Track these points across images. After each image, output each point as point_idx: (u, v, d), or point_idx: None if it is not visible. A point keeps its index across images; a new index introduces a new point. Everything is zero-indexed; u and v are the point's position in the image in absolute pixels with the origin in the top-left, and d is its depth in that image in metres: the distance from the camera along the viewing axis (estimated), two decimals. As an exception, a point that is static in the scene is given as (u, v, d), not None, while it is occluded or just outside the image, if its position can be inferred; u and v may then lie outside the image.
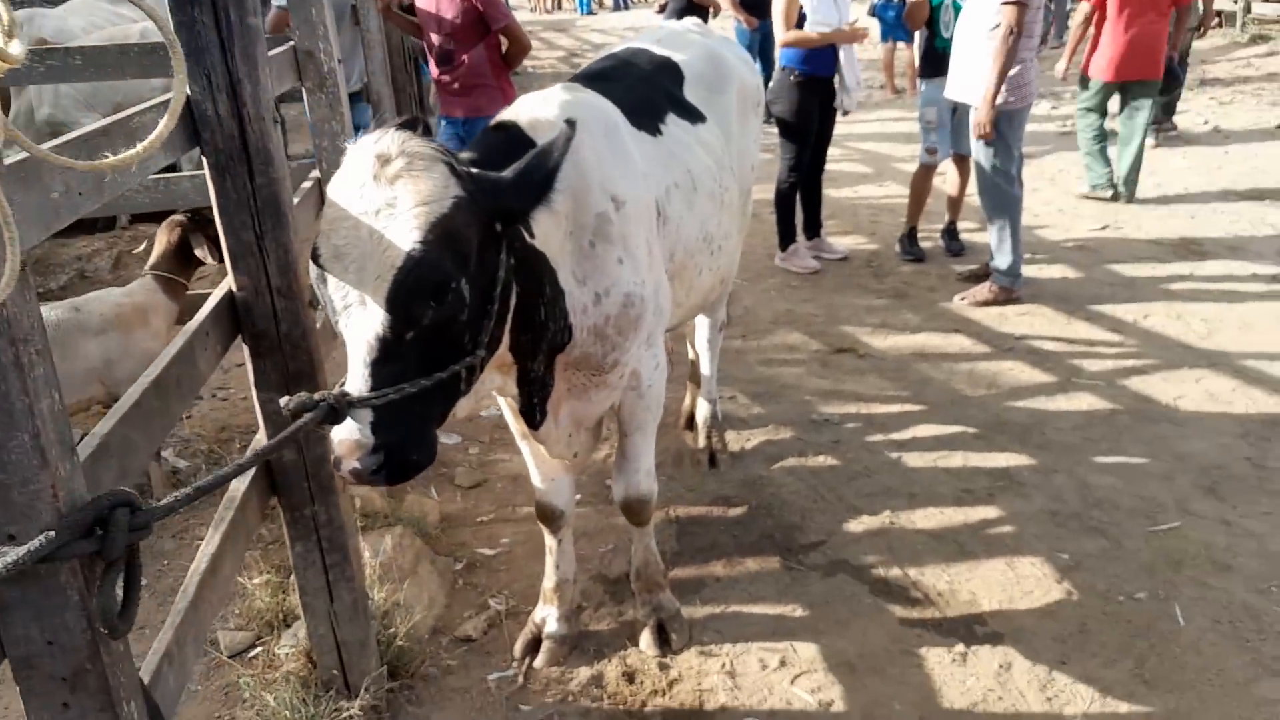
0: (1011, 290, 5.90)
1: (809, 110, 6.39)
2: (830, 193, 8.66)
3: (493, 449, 4.57)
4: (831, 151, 10.06)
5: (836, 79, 6.33)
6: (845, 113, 6.63)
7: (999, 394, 4.85)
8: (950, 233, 6.97)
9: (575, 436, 2.91)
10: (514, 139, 2.47)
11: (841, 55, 6.23)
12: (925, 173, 6.70)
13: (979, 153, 5.75)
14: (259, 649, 3.15)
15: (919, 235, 6.96)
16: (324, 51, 3.46)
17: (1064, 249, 6.89)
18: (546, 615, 3.23)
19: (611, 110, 2.87)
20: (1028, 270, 6.22)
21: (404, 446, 1.96)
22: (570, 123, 2.22)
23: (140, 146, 1.25)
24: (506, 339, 2.30)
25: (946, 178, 6.89)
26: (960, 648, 3.14)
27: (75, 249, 6.70)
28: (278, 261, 2.43)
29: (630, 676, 3.11)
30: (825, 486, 4.09)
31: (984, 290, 5.95)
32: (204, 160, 2.33)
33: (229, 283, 2.46)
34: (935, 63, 6.22)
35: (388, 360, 1.94)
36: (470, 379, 2.12)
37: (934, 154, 6.54)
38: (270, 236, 2.42)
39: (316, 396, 1.89)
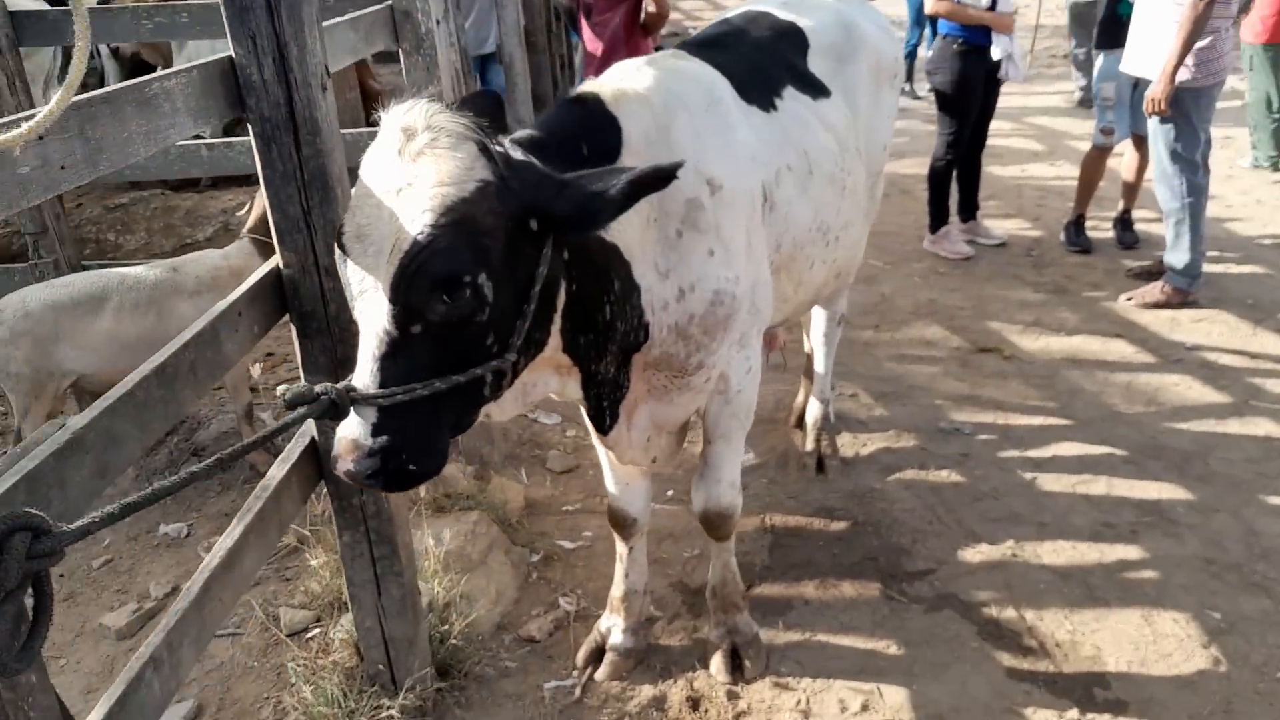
0: (1187, 292, 5.21)
1: (972, 82, 5.83)
2: (994, 170, 8.03)
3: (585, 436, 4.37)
4: (1000, 125, 9.39)
5: (999, 48, 5.73)
6: (1004, 80, 6.00)
7: (1159, 413, 4.27)
8: (1124, 222, 6.26)
9: (655, 441, 2.65)
10: (592, 115, 2.21)
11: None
12: (1099, 155, 6.01)
13: (1155, 133, 5.07)
14: (316, 630, 3.08)
15: (1088, 224, 6.30)
16: (422, 11, 3.28)
17: (1258, 246, 6.07)
18: (612, 625, 3.01)
19: (717, 82, 2.56)
20: (1210, 269, 5.50)
21: (405, 453, 1.76)
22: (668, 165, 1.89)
23: (26, 128, 1.06)
24: (556, 340, 2.06)
25: (1124, 161, 6.17)
26: (1074, 713, 2.73)
27: (223, 201, 6.90)
28: (325, 238, 2.28)
29: (695, 703, 2.85)
30: (944, 506, 3.69)
31: (1155, 290, 5.29)
32: (249, 128, 2.19)
33: (275, 259, 2.33)
34: (1115, 32, 5.52)
35: (396, 356, 1.73)
36: (499, 384, 1.89)
37: (1110, 134, 5.85)
38: (318, 211, 2.26)
39: (318, 389, 1.70)
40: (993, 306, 5.46)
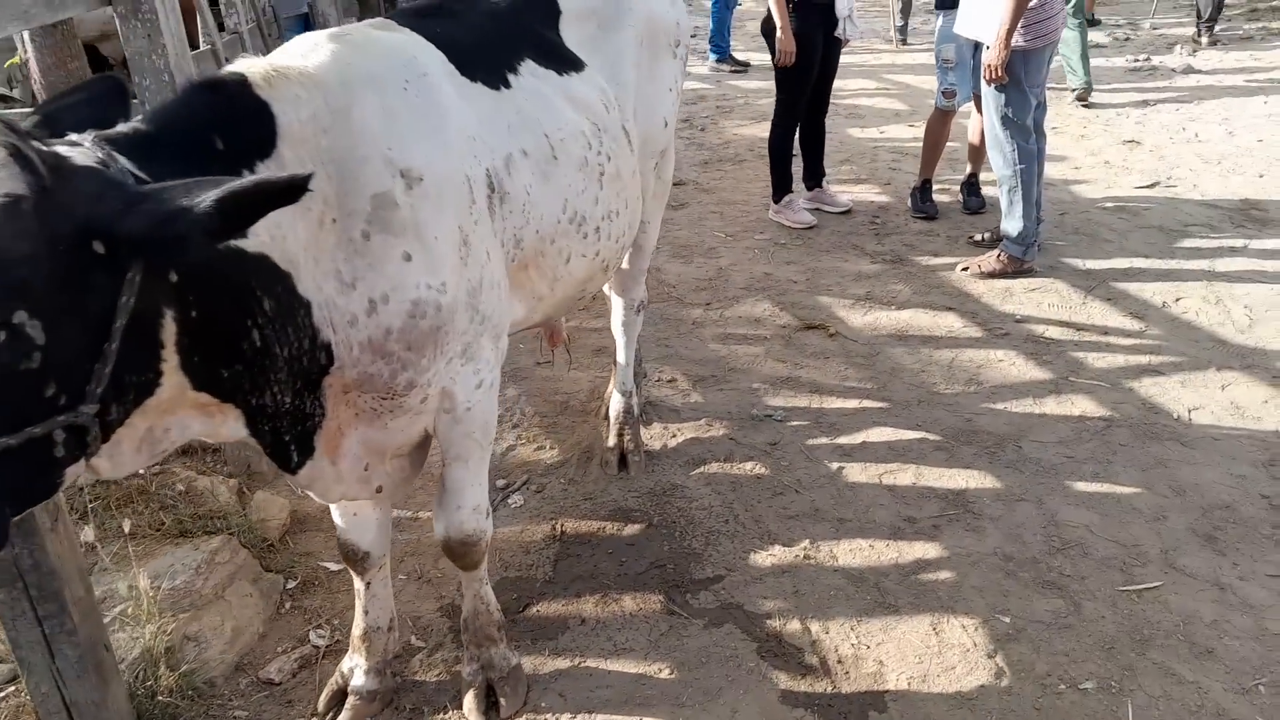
0: (1022, 261, 5.09)
1: (807, 41, 5.56)
2: (853, 133, 7.86)
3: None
4: (864, 84, 9.26)
5: (843, 4, 5.49)
6: (846, 42, 5.77)
7: (978, 393, 4.12)
8: (970, 186, 6.13)
9: (376, 469, 2.32)
10: (230, 101, 1.81)
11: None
12: (942, 118, 5.85)
13: (987, 98, 4.90)
14: (10, 689, 2.70)
15: (936, 189, 6.15)
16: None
17: (1099, 210, 6.00)
18: (355, 666, 2.70)
19: (423, 55, 2.22)
20: (1051, 235, 5.39)
21: None
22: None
23: None
24: (178, 378, 1.70)
25: (970, 123, 6.02)
26: (844, 742, 2.54)
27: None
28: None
29: (442, 748, 2.58)
30: (743, 503, 3.47)
31: (991, 259, 5.15)
32: None
33: None
34: (952, -10, 5.32)
35: None
36: (80, 442, 1.54)
37: (951, 96, 5.69)
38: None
39: None
40: (827, 279, 5.26)
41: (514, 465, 3.77)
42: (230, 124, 1.78)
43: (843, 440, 3.82)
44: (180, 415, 1.80)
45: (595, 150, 2.63)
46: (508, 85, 2.42)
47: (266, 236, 1.80)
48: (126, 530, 2.83)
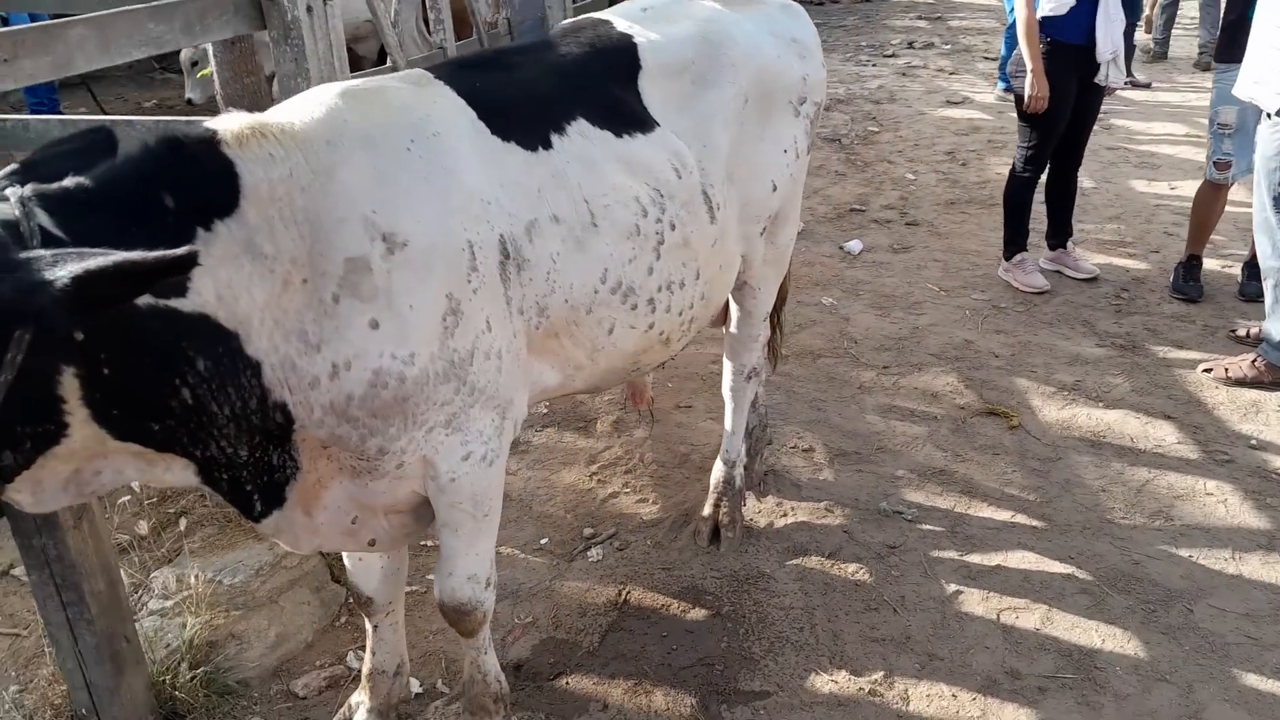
0: (1282, 371, 4.18)
1: (1059, 86, 4.88)
2: (1137, 185, 6.90)
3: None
4: (1171, 129, 8.10)
5: (1106, 47, 4.76)
6: (1110, 90, 5.01)
7: (1162, 530, 3.42)
8: (1252, 268, 5.13)
9: (368, 522, 2.28)
10: (188, 159, 1.79)
11: (1100, 16, 4.66)
12: (1214, 192, 4.95)
13: (1260, 171, 4.04)
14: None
15: (1211, 265, 5.23)
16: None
17: None
18: (359, 703, 2.70)
19: (441, 114, 2.13)
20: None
21: None
22: None
23: None
24: (91, 430, 1.71)
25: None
26: None
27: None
28: None
29: (413, 811, 2.52)
30: (828, 611, 3.10)
31: (1243, 364, 4.28)
32: None
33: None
34: (1242, 40, 4.42)
35: None
36: None
37: (1225, 168, 4.78)
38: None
39: None
40: (1035, 358, 4.61)
41: (609, 515, 3.63)
42: (185, 182, 1.78)
43: (973, 559, 3.31)
44: (112, 460, 1.83)
45: (653, 218, 2.42)
46: (548, 146, 2.27)
47: (212, 297, 1.79)
48: (182, 528, 3.01)
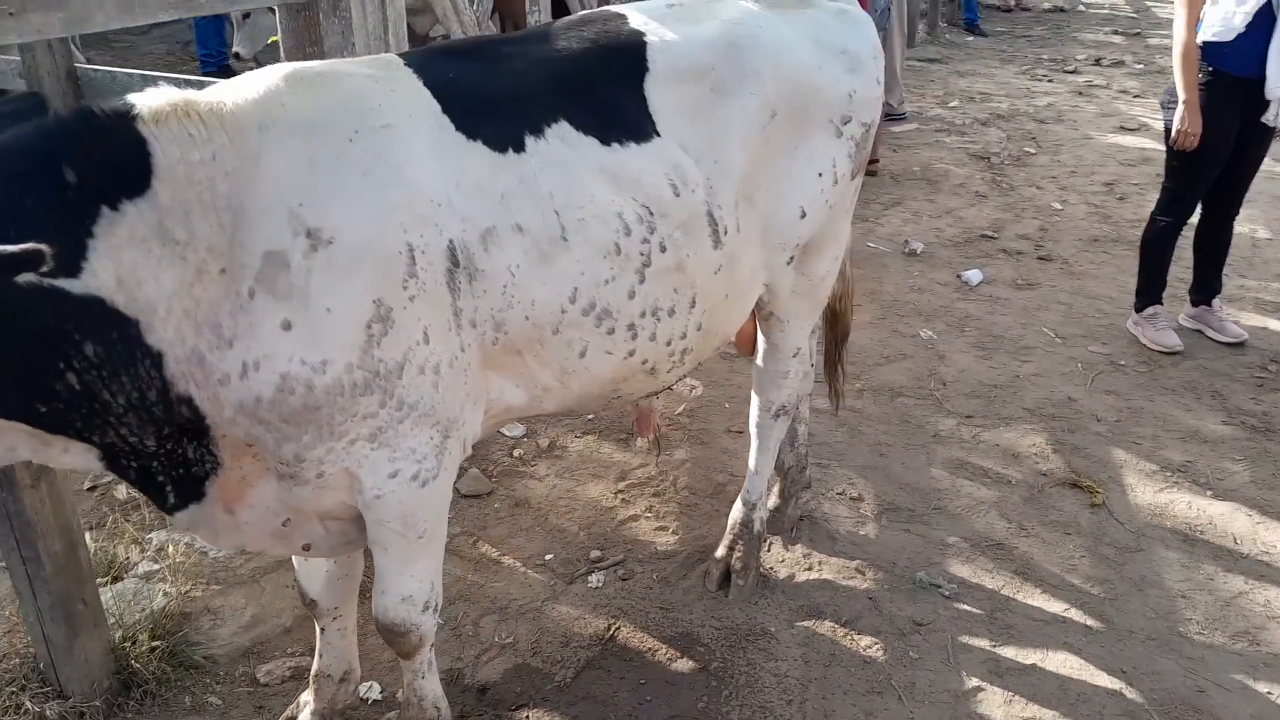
0: None
1: (1217, 124, 4.29)
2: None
3: (536, 461, 3.88)
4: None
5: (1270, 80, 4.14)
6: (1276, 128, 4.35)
7: (1240, 658, 2.92)
8: None
9: (301, 526, 2.16)
10: (96, 131, 1.71)
11: (1274, 47, 4.04)
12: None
13: None
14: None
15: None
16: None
17: None
18: (305, 703, 2.62)
19: (397, 105, 1.98)
20: None
21: None
22: None
23: None
24: None
25: None
26: None
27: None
28: None
29: (330, 828, 2.41)
30: (825, 688, 2.80)
31: (1396, 471, 3.64)
32: None
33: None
34: None
35: None
36: None
37: None
38: None
39: None
40: (1145, 428, 4.08)
41: (623, 538, 3.42)
42: (90, 157, 1.69)
43: (1006, 652, 2.93)
44: (4, 436, 1.78)
45: (638, 238, 2.19)
46: (520, 149, 2.07)
47: (111, 280, 1.70)
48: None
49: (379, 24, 3.14)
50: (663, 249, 2.24)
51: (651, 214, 2.21)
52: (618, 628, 3.03)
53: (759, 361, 2.98)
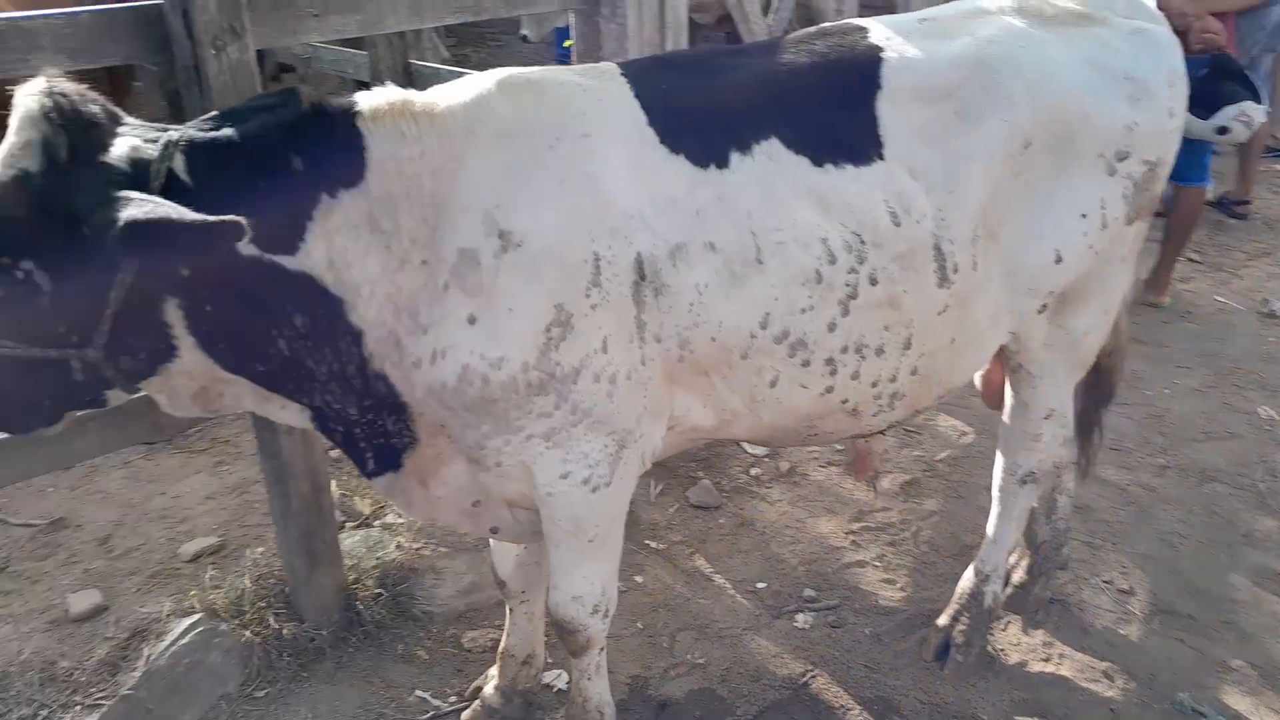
0: None
1: None
2: None
3: (772, 484, 3.76)
4: None
5: None
6: None
7: None
8: None
9: (491, 510, 2.25)
10: (321, 125, 1.86)
11: None
12: None
13: None
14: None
15: None
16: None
17: None
18: (491, 676, 2.74)
19: (601, 115, 1.99)
20: None
21: None
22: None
23: None
24: (198, 357, 1.87)
25: None
26: None
27: None
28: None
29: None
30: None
31: None
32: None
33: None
34: None
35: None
36: (97, 376, 1.84)
37: None
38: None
39: None
40: None
41: (842, 583, 3.23)
42: (315, 148, 1.85)
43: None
44: (232, 386, 2.00)
45: (844, 267, 2.03)
46: (723, 165, 1.99)
47: (323, 260, 1.86)
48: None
49: (655, 30, 3.19)
50: (873, 281, 2.06)
51: (863, 242, 2.04)
52: (814, 675, 2.86)
53: (1005, 418, 2.67)
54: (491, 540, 2.59)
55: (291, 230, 1.84)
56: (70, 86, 1.78)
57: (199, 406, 2.05)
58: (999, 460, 2.77)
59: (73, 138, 1.71)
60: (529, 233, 1.89)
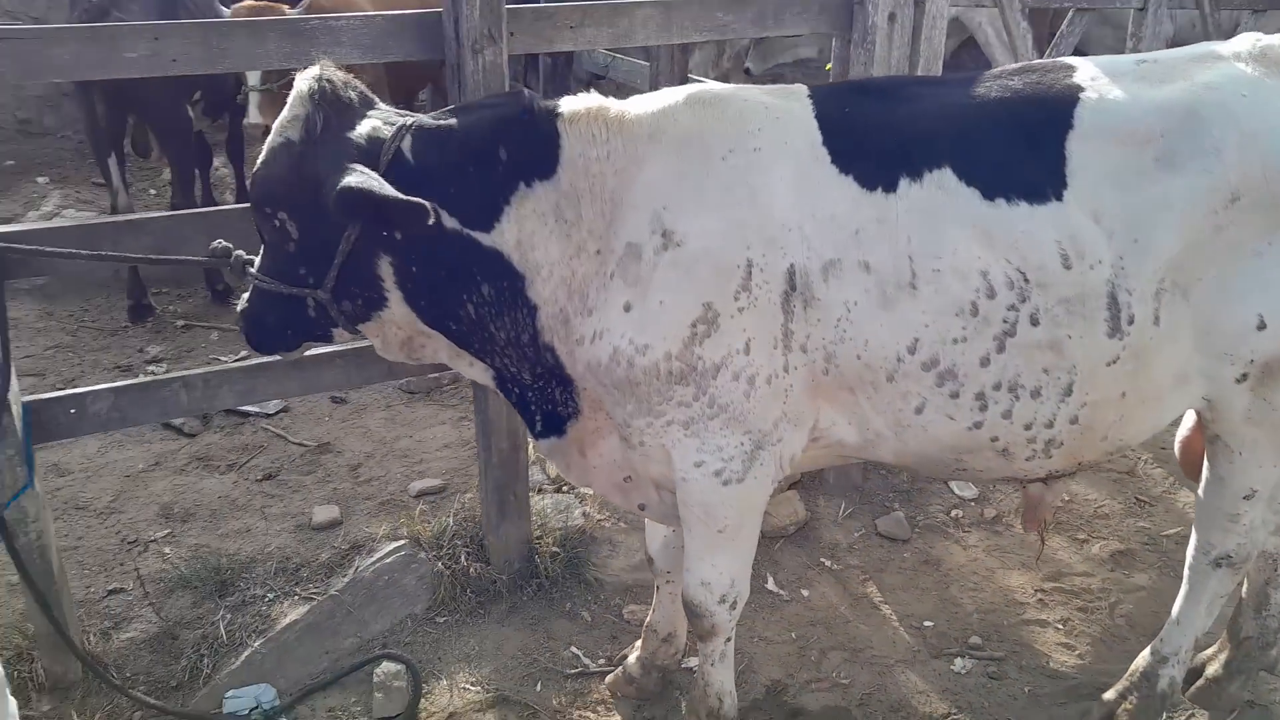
0: None
1: None
2: None
3: (972, 528, 3.64)
4: None
5: None
6: None
7: None
8: None
9: (640, 487, 2.44)
10: (526, 123, 2.14)
11: None
12: None
13: None
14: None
15: None
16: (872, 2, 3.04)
17: None
18: (636, 646, 2.92)
19: (777, 132, 2.11)
20: None
21: (249, 325, 2.34)
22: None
23: None
24: (404, 310, 2.21)
25: None
26: None
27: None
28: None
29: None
30: None
31: None
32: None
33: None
34: None
35: (263, 255, 2.29)
36: (325, 314, 2.23)
37: None
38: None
39: (236, 252, 2.39)
40: None
41: (1016, 639, 3.09)
42: (518, 142, 2.13)
43: None
44: (432, 340, 2.34)
45: (1003, 303, 2.01)
46: (890, 189, 2.04)
47: (513, 240, 2.14)
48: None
49: (904, 58, 3.21)
50: (1034, 322, 2.02)
51: (1026, 281, 2.01)
52: (952, 719, 2.79)
53: (1201, 492, 2.45)
54: (646, 521, 2.78)
55: (490, 212, 2.13)
56: (337, 74, 2.19)
57: (405, 354, 2.41)
58: (1193, 536, 2.54)
59: (328, 116, 2.10)
60: (689, 234, 2.05)
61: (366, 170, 1.99)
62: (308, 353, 2.88)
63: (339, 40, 2.68)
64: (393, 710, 2.78)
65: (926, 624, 3.17)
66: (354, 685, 2.89)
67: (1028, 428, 2.13)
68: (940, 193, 2.04)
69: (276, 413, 4.44)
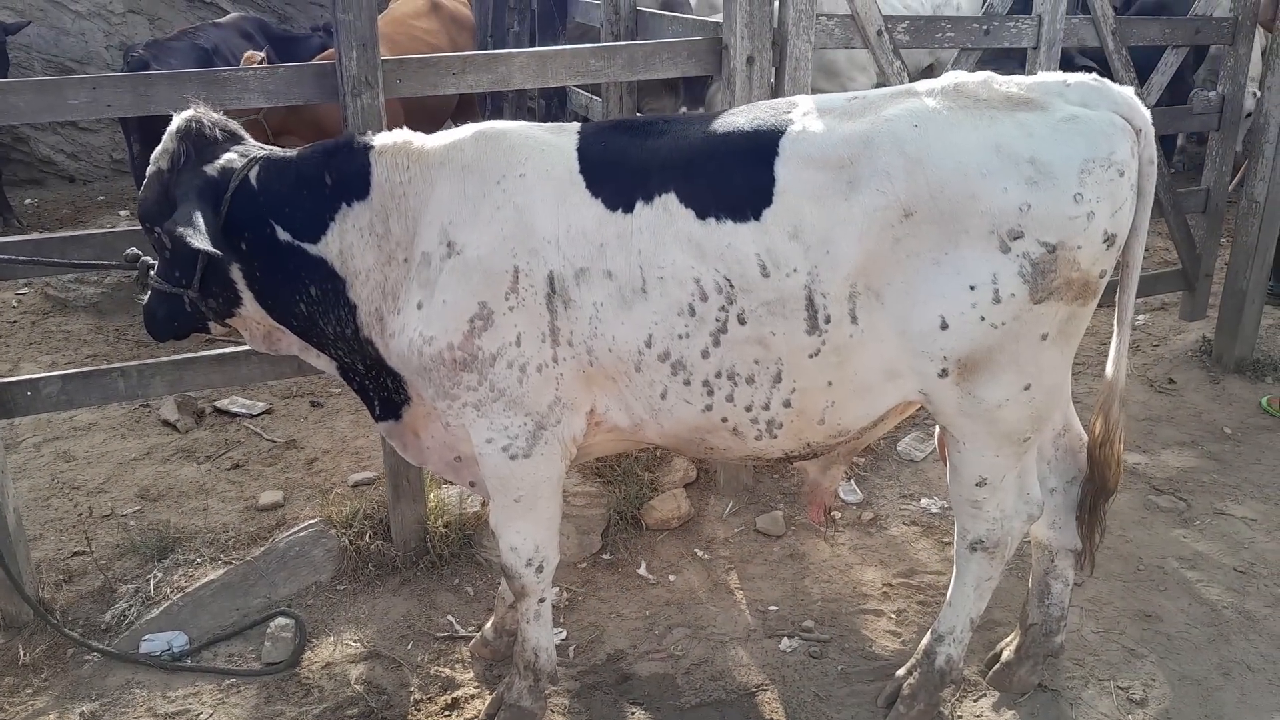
0: None
1: None
2: None
3: (845, 529, 3.90)
4: None
5: None
6: None
7: None
8: None
9: (469, 465, 2.85)
10: (346, 153, 2.60)
11: None
12: None
13: None
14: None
15: None
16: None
17: None
18: (493, 617, 3.31)
19: (541, 161, 2.51)
20: None
21: (146, 316, 2.84)
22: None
23: None
24: (256, 309, 2.69)
25: None
26: None
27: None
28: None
29: (450, 706, 3.09)
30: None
31: None
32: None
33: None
34: None
35: (157, 261, 2.81)
36: (198, 310, 2.73)
37: None
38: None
39: (144, 259, 2.90)
40: None
41: (848, 626, 3.35)
42: (340, 169, 2.59)
43: None
44: (285, 335, 2.82)
45: (714, 305, 2.37)
46: (629, 210, 2.42)
47: (336, 250, 2.61)
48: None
49: (765, 96, 3.57)
50: (742, 320, 2.37)
51: (732, 286, 2.35)
52: (765, 689, 3.08)
53: (948, 480, 2.72)
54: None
55: (318, 226, 2.60)
56: (210, 115, 2.69)
57: (267, 346, 2.89)
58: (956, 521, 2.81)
59: (189, 150, 2.61)
60: (468, 244, 2.46)
61: (194, 208, 2.46)
62: (228, 350, 3.43)
63: (248, 88, 3.20)
64: (279, 656, 3.24)
65: (771, 608, 3.46)
66: (255, 637, 3.35)
67: (749, 410, 2.47)
68: (665, 213, 2.41)
69: (260, 413, 5.01)
